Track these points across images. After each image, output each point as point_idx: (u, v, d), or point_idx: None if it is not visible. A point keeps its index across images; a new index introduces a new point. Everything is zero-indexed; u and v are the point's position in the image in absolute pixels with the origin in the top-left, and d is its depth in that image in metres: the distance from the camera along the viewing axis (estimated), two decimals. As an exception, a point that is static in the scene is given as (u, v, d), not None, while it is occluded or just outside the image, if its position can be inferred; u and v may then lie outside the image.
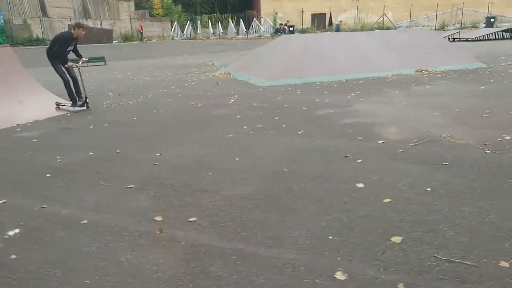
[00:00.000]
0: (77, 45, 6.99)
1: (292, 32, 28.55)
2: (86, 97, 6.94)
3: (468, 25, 30.67)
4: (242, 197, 3.01)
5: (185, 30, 32.22)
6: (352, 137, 4.54)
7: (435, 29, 29.59)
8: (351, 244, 2.29)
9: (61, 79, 6.84)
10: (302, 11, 37.49)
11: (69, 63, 6.74)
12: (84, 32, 6.71)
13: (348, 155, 3.87)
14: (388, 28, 29.21)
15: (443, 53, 11.12)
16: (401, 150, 3.96)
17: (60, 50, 6.67)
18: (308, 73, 9.61)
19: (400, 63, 10.38)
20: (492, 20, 27.83)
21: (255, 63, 11.39)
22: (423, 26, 32.61)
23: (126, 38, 31.80)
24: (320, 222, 2.57)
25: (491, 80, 8.26)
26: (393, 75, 9.70)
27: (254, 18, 36.15)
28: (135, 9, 38.56)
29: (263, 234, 2.45)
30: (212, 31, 33.77)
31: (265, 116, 5.81)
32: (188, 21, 34.69)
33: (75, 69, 6.95)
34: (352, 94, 7.36)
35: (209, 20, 36.16)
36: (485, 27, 27.59)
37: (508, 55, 13.08)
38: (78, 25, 6.75)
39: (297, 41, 11.77)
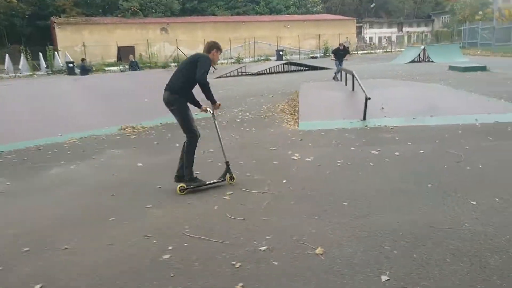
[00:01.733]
0: None
1: (89, 70, 23.30)
2: (227, 163, 4.34)
3: (262, 58, 32.13)
4: None
5: None
6: None
7: (231, 62, 29.98)
8: None
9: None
10: (84, 45, 34.17)
11: (204, 106, 4.21)
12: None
13: None
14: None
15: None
16: None
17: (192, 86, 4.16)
18: None
19: (103, 119, 8.09)
20: (281, 53, 29.56)
21: None
22: (222, 59, 32.95)
23: None
24: None
25: (177, 145, 6.49)
26: (82, 137, 7.25)
27: (41, 53, 30.50)
28: None
29: None
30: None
31: None
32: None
33: None
34: None
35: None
36: (276, 59, 29.05)
37: (259, 95, 12.38)
38: (217, 46, 4.28)
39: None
